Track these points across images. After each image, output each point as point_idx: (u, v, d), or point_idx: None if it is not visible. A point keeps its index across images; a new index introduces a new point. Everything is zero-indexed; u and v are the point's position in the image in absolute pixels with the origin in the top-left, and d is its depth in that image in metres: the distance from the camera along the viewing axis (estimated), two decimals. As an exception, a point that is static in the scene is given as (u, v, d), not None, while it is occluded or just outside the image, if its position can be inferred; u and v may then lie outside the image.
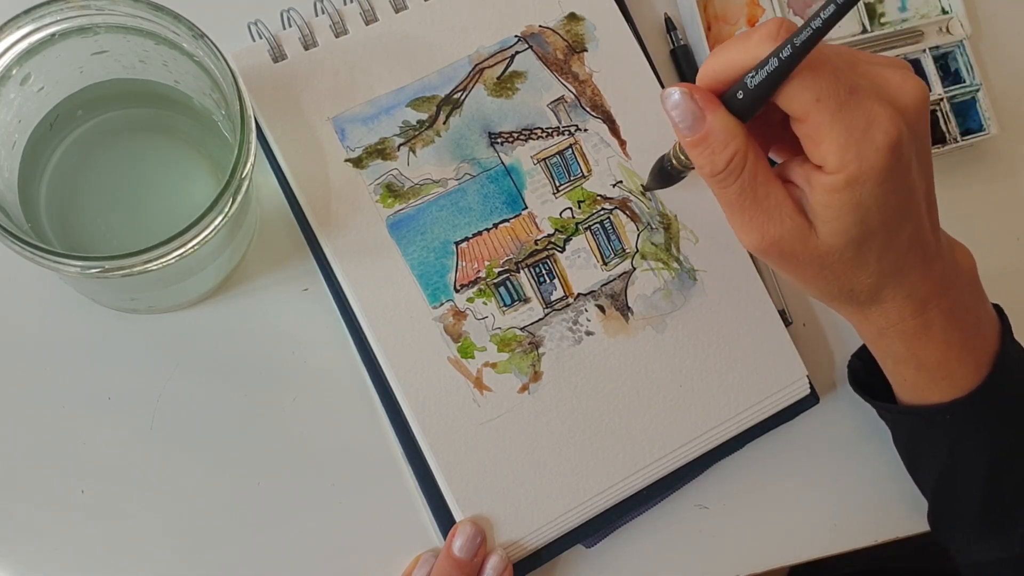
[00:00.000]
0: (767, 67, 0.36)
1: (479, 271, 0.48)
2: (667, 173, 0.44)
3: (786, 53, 0.35)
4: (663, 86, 0.52)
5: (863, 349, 0.50)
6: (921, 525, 0.52)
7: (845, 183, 0.37)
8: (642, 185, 0.50)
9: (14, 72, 0.40)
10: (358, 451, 0.48)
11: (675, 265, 0.50)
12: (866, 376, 0.49)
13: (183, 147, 0.45)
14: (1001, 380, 0.44)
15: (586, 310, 0.49)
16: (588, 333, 0.49)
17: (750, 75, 0.37)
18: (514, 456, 0.47)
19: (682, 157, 0.44)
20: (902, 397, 0.46)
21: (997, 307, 0.47)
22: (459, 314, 0.48)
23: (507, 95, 0.50)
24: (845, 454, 0.53)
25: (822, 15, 0.34)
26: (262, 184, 0.48)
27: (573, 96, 0.51)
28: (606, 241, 0.50)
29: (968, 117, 0.58)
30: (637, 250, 0.50)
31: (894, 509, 0.53)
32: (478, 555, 0.46)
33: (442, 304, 0.48)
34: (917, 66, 0.57)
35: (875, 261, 0.40)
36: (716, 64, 0.39)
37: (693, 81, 0.54)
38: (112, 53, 0.42)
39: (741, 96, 0.38)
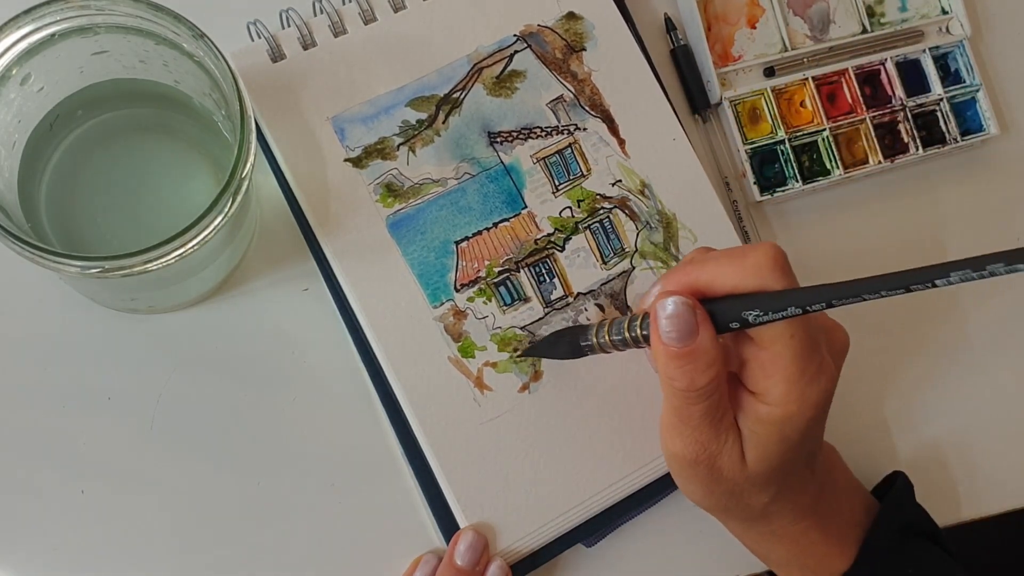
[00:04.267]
0: (781, 314, 0.35)
1: (479, 270, 0.48)
2: (573, 348, 0.42)
3: (795, 312, 0.35)
4: (663, 85, 0.52)
5: None
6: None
7: (781, 418, 0.38)
8: (522, 352, 0.47)
9: (14, 72, 0.40)
10: (358, 451, 0.48)
11: (674, 264, 0.50)
12: None
13: (183, 147, 0.45)
14: (872, 551, 0.45)
15: (586, 309, 0.49)
16: (588, 333, 0.49)
17: (754, 313, 0.36)
18: (515, 455, 0.47)
19: (608, 339, 0.42)
20: None
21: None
22: (459, 313, 0.48)
23: (506, 94, 0.50)
24: (844, 454, 0.53)
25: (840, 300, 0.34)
26: (262, 184, 0.48)
27: (572, 95, 0.51)
28: (605, 240, 0.50)
29: (968, 117, 0.58)
30: (636, 249, 0.50)
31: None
32: (480, 563, 0.45)
33: (442, 304, 0.48)
34: (917, 66, 0.57)
35: (777, 484, 0.41)
36: (703, 275, 0.38)
37: (692, 81, 0.54)
38: (112, 53, 0.42)
39: (736, 326, 0.37)
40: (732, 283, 0.37)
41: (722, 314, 0.37)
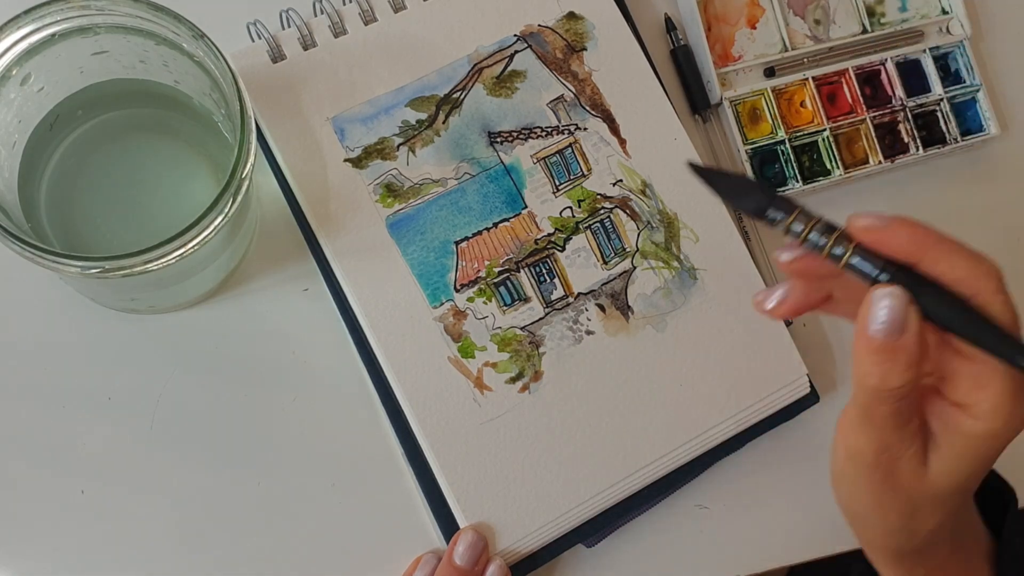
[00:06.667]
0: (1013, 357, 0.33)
1: (479, 271, 0.48)
2: (758, 206, 0.36)
3: None
4: (663, 84, 0.52)
5: None
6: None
7: (984, 435, 0.35)
8: (697, 169, 0.39)
9: (14, 72, 0.40)
10: (358, 451, 0.48)
11: (675, 264, 0.50)
12: None
13: (183, 147, 0.45)
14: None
15: (586, 309, 0.49)
16: (588, 332, 0.49)
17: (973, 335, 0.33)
18: (515, 455, 0.47)
19: (804, 233, 0.37)
20: None
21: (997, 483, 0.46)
22: (459, 314, 0.48)
23: (506, 94, 0.50)
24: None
25: None
26: (262, 184, 0.48)
27: (572, 95, 0.51)
28: (606, 240, 0.50)
29: (968, 117, 0.58)
30: (637, 249, 0.50)
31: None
32: (479, 563, 0.45)
33: (442, 304, 0.48)
34: (917, 66, 0.57)
35: (950, 507, 0.38)
36: (931, 251, 0.34)
37: (692, 82, 0.54)
38: (112, 53, 0.42)
39: (965, 325, 0.34)
40: (957, 276, 0.34)
41: (940, 315, 0.34)
